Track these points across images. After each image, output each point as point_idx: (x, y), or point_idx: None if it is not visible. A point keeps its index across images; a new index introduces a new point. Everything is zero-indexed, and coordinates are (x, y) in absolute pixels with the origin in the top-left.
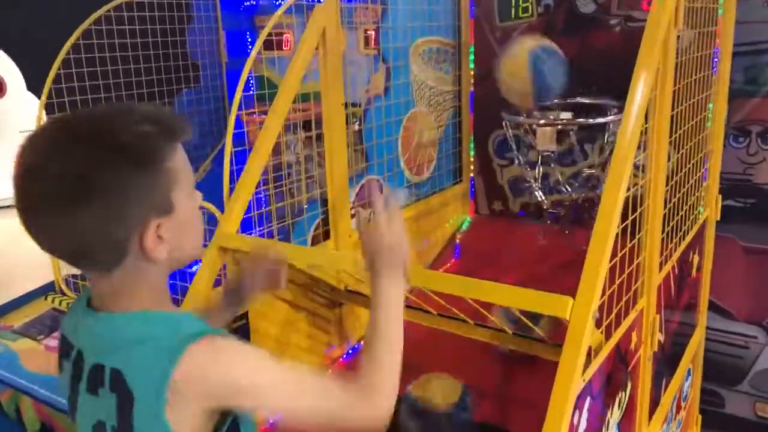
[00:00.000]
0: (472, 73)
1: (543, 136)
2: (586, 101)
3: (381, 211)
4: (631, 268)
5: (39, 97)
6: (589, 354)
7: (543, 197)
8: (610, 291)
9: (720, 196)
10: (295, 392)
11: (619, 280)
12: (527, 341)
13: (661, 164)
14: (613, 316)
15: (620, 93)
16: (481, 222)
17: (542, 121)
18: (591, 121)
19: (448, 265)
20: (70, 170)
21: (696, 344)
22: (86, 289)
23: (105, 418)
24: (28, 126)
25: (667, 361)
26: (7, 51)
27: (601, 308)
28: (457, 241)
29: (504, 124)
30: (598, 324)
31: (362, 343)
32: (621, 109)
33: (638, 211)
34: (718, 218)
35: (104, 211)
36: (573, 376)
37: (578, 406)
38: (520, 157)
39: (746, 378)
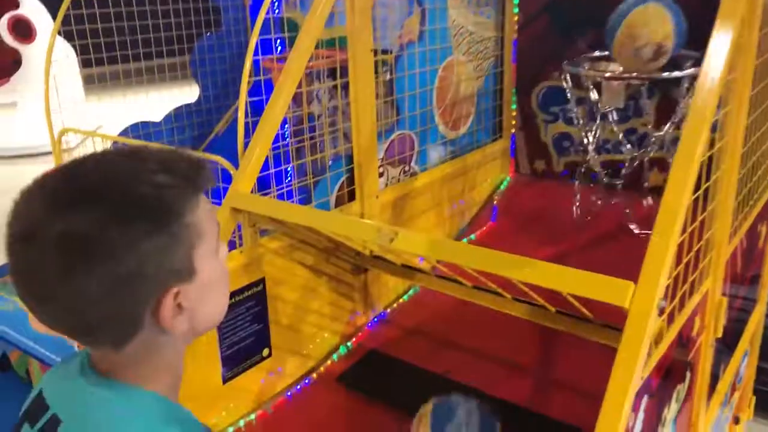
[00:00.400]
0: (516, 18)
1: (610, 91)
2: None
3: None
4: (699, 244)
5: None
6: (650, 348)
7: (596, 158)
8: (676, 272)
9: None
10: None
11: (686, 258)
12: (572, 321)
13: (741, 124)
14: (677, 300)
15: (701, 43)
16: (521, 182)
17: (608, 74)
18: (666, 75)
19: (484, 228)
20: (72, 231)
21: (756, 322)
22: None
23: None
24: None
25: (727, 343)
26: None
27: (665, 292)
28: (495, 202)
29: (564, 77)
30: (661, 311)
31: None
32: (699, 62)
33: (712, 178)
34: None
35: (112, 279)
36: (632, 377)
37: (634, 408)
38: (577, 113)
39: None
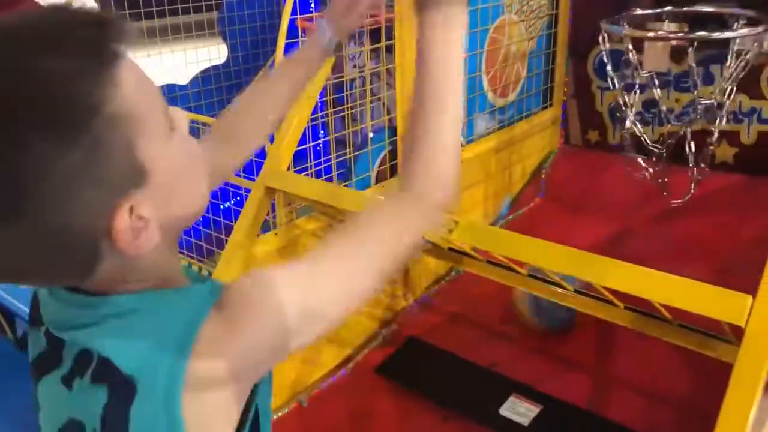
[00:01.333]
0: None
1: (653, 52)
2: (708, 10)
3: None
4: None
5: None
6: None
7: (639, 128)
8: None
9: None
10: (344, 284)
11: None
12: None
13: None
14: None
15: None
16: (572, 155)
17: (651, 34)
18: (715, 35)
19: (531, 205)
20: None
21: None
22: None
23: (84, 416)
24: None
25: None
26: None
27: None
28: (543, 176)
29: (601, 36)
30: None
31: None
32: (754, 22)
33: None
34: None
35: (38, 218)
36: (753, 400)
37: None
38: (616, 78)
39: None
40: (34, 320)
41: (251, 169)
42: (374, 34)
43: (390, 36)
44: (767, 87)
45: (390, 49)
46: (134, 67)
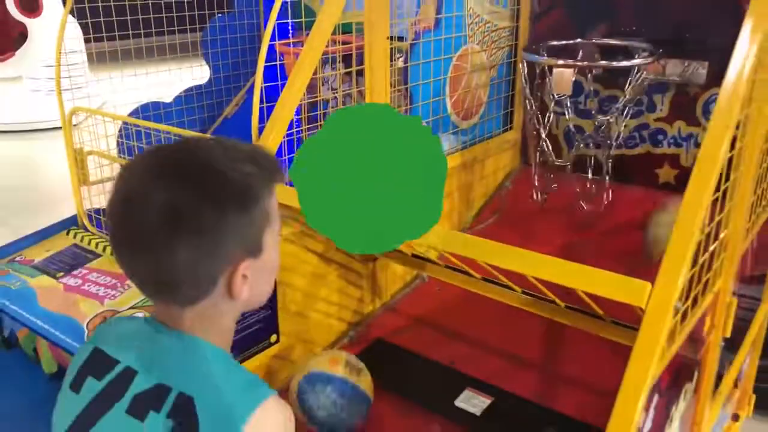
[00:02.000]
0: (532, 7)
1: (559, 78)
2: (617, 42)
3: None
4: (713, 246)
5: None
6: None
7: (549, 148)
8: (691, 273)
9: None
10: None
11: (702, 259)
12: (582, 317)
13: (761, 123)
14: (690, 301)
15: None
16: (530, 174)
17: (560, 62)
18: (616, 64)
19: (492, 219)
20: (174, 202)
21: (760, 321)
22: (144, 319)
23: None
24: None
25: (732, 341)
26: None
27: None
28: (504, 193)
29: (520, 64)
30: (677, 313)
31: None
32: (651, 53)
33: (731, 179)
34: None
35: (201, 246)
36: (647, 377)
37: (646, 406)
38: (532, 102)
39: None
40: (97, 369)
41: None
42: (347, 60)
43: (361, 61)
44: (702, 114)
45: (361, 73)
46: (276, 194)
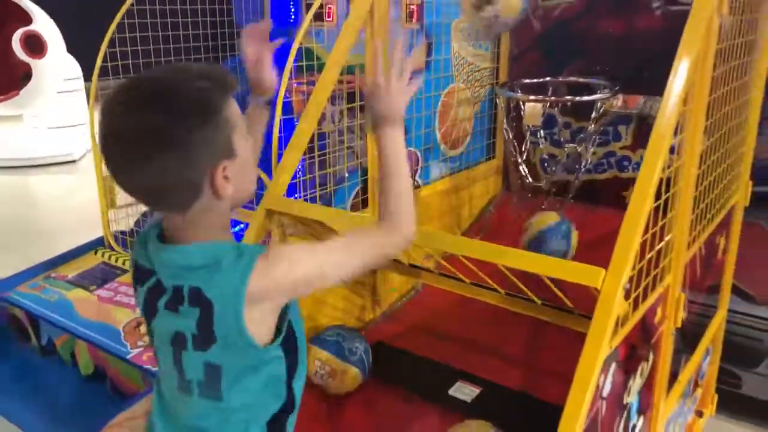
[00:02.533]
0: (510, 50)
1: (531, 111)
2: (581, 80)
3: (376, 62)
4: (660, 245)
5: (77, 59)
6: (616, 324)
7: (527, 173)
8: (640, 266)
9: (750, 181)
10: (343, 260)
11: (649, 255)
12: (556, 312)
13: (695, 148)
14: (640, 290)
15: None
16: (512, 198)
17: (531, 97)
18: (578, 99)
19: (478, 237)
20: (148, 128)
21: (717, 325)
22: (150, 227)
23: (185, 329)
24: (65, 86)
25: (688, 339)
26: (50, 14)
27: (629, 281)
28: (488, 215)
29: (495, 98)
30: (627, 295)
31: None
32: (610, 89)
33: (671, 191)
34: (747, 203)
35: (181, 159)
36: (602, 342)
37: (604, 369)
38: (509, 132)
39: (764, 360)
40: (140, 278)
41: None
42: (350, 97)
43: (362, 98)
44: None
45: (361, 108)
46: (234, 101)
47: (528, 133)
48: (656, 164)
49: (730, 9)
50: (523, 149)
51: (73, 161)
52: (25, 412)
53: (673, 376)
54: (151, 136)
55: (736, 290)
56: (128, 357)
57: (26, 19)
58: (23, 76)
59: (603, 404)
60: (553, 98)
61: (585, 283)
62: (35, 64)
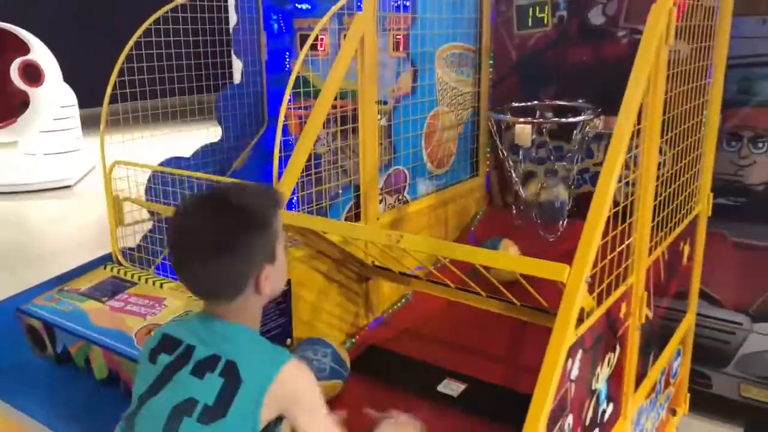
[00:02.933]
0: (490, 76)
1: (521, 132)
2: (565, 103)
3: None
4: (621, 247)
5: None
6: (582, 315)
7: (521, 189)
8: (602, 264)
9: (711, 194)
10: (323, 426)
11: (610, 256)
12: (533, 311)
13: (651, 160)
14: (604, 286)
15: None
16: (495, 213)
17: (521, 120)
18: (562, 120)
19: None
20: (219, 232)
21: (686, 327)
22: (193, 314)
23: (200, 397)
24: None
25: (657, 339)
26: (47, 43)
27: (594, 278)
28: (472, 230)
29: (489, 121)
30: (590, 290)
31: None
32: (593, 111)
33: (629, 199)
34: (710, 214)
35: (236, 260)
36: (567, 328)
37: (571, 354)
38: (504, 151)
39: (732, 361)
40: (166, 347)
41: None
42: (342, 120)
43: (350, 121)
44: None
45: (354, 130)
46: (280, 215)
47: (509, 153)
48: (613, 171)
49: (687, 39)
50: (509, 167)
51: (69, 186)
52: (45, 410)
53: (643, 372)
54: (222, 240)
55: (704, 295)
56: None
57: (24, 48)
58: (20, 104)
59: (572, 386)
60: (542, 120)
61: (552, 277)
62: (33, 92)
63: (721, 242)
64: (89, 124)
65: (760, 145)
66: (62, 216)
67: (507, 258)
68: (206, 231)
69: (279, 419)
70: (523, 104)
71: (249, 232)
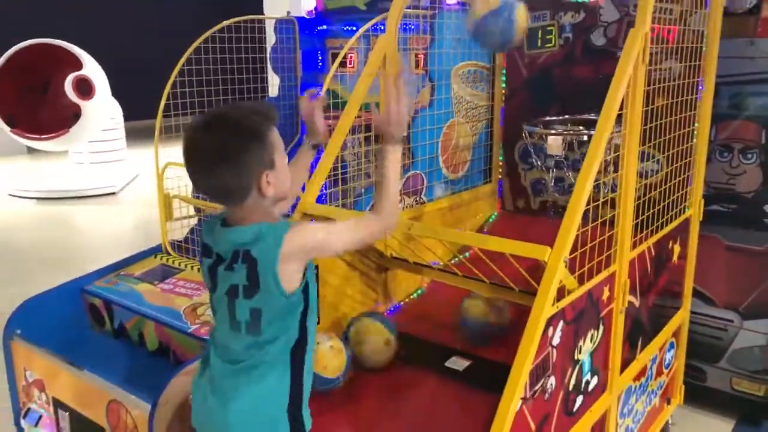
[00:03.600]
0: (503, 91)
1: (553, 143)
2: (593, 117)
3: (391, 98)
4: (602, 237)
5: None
6: (562, 290)
7: (555, 193)
8: (583, 250)
9: (703, 199)
10: (346, 236)
11: (591, 244)
12: (530, 296)
13: (631, 161)
14: (585, 269)
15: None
16: (506, 217)
17: (553, 131)
18: (591, 131)
19: (473, 250)
20: (217, 145)
21: (678, 322)
22: (214, 218)
23: (238, 281)
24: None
25: (646, 328)
26: (99, 60)
27: (573, 261)
28: (485, 231)
29: (524, 133)
30: (572, 270)
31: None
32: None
33: (609, 196)
34: (701, 218)
35: (237, 167)
36: (547, 298)
37: (552, 323)
38: (537, 160)
39: (724, 356)
40: (206, 253)
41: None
42: (367, 128)
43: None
44: None
45: (376, 138)
46: (275, 128)
47: (552, 162)
48: (592, 166)
49: (676, 57)
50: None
51: (114, 193)
52: (108, 373)
53: (631, 356)
54: (219, 151)
55: (699, 294)
56: (189, 331)
57: (77, 64)
58: (72, 116)
59: (554, 351)
60: (573, 131)
61: (536, 257)
62: (84, 105)
63: (714, 245)
64: (131, 136)
65: (749, 155)
66: (109, 219)
67: (498, 241)
68: (207, 144)
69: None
70: (554, 118)
71: (243, 142)
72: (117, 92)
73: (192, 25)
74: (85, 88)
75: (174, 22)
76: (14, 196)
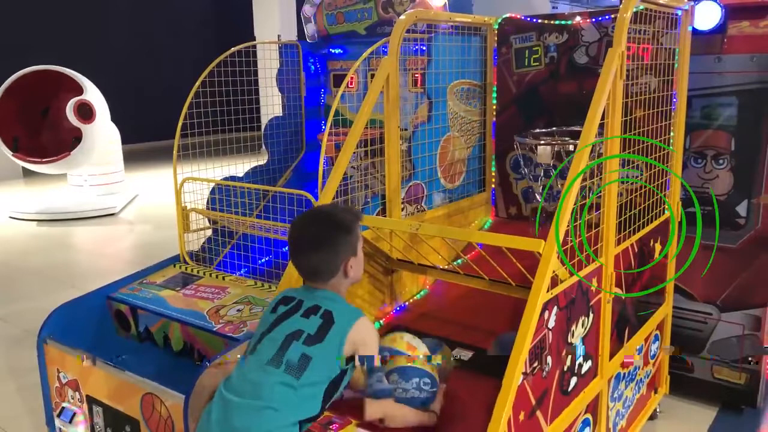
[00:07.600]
0: (494, 107)
1: (542, 152)
2: (579, 129)
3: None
4: (590, 233)
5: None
6: (555, 279)
7: (540, 200)
8: (570, 245)
9: (680, 201)
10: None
11: (578, 239)
12: (527, 290)
13: (612, 168)
14: (575, 261)
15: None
16: (500, 223)
17: (542, 142)
18: (577, 142)
19: (473, 252)
20: (317, 234)
21: (662, 315)
22: (303, 286)
23: (306, 329)
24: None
25: (631, 319)
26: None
27: (566, 253)
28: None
29: (515, 144)
30: (562, 262)
31: (407, 303)
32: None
33: (593, 195)
34: (679, 219)
35: (331, 253)
36: (542, 285)
37: (548, 308)
38: (526, 169)
39: (705, 347)
40: (285, 301)
41: None
42: (372, 142)
43: (381, 142)
44: None
45: (381, 151)
46: (359, 225)
47: (541, 170)
48: (577, 169)
49: (652, 72)
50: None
51: (113, 214)
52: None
53: (619, 344)
54: (320, 239)
55: (681, 291)
56: (215, 329)
57: (78, 89)
58: (73, 140)
59: (549, 333)
60: (559, 141)
61: (531, 249)
62: (85, 128)
63: (692, 244)
64: (129, 158)
65: (721, 161)
66: (110, 239)
67: (496, 236)
68: (311, 233)
69: (351, 360)
70: (543, 130)
71: (339, 234)
72: (115, 116)
73: (187, 53)
74: (86, 112)
75: (170, 51)
76: (14, 218)
